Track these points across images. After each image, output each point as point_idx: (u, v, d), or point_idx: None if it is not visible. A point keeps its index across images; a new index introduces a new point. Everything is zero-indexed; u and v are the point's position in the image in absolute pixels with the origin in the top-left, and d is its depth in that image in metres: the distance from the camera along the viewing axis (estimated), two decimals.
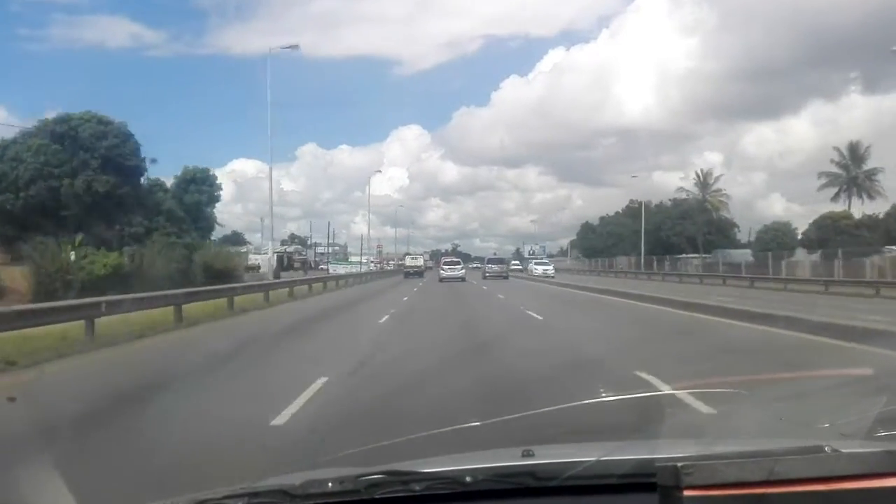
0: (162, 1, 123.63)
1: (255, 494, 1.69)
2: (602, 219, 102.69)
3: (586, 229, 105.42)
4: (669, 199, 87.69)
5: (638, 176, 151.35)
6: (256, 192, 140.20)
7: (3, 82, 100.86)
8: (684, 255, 70.27)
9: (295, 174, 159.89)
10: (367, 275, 62.44)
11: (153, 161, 52.99)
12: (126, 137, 49.29)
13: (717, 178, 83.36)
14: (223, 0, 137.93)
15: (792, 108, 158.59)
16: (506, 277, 55.38)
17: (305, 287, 35.30)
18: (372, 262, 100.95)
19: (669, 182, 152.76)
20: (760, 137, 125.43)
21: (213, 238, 61.54)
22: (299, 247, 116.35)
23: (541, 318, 18.89)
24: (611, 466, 1.81)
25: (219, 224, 63.87)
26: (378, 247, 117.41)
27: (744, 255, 61.56)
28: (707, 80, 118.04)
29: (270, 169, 54.22)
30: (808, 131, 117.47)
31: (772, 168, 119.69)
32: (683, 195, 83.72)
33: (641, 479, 1.72)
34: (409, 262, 77.44)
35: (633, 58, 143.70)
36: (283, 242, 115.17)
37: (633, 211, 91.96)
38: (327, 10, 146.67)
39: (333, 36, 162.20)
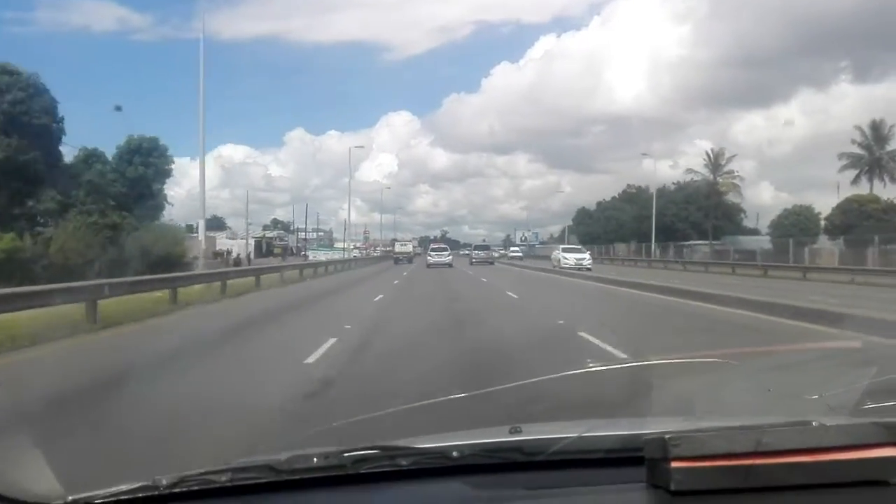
0: None
1: (241, 469, 1.68)
2: (599, 204, 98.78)
3: (582, 214, 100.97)
4: (673, 183, 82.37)
5: (631, 160, 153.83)
6: (243, 178, 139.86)
7: None
8: (691, 242, 66.16)
9: (283, 160, 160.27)
10: (350, 261, 58.43)
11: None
12: (37, 91, 40.80)
13: (730, 159, 76.16)
14: None
15: (782, 97, 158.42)
16: (491, 263, 59.19)
17: (276, 275, 31.19)
18: (357, 248, 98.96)
19: (660, 169, 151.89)
20: (750, 125, 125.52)
21: (167, 219, 52.33)
22: (282, 232, 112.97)
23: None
24: (598, 441, 1.81)
25: (168, 203, 53.63)
26: (365, 232, 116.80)
27: (757, 242, 59.53)
28: (698, 67, 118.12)
29: (200, 154, 41.52)
30: (798, 120, 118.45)
31: (761, 156, 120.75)
32: (692, 177, 78.00)
33: (628, 454, 1.72)
34: (398, 248, 79.12)
35: (625, 45, 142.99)
36: (266, 228, 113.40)
37: (629, 196, 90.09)
38: None
39: (323, 21, 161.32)
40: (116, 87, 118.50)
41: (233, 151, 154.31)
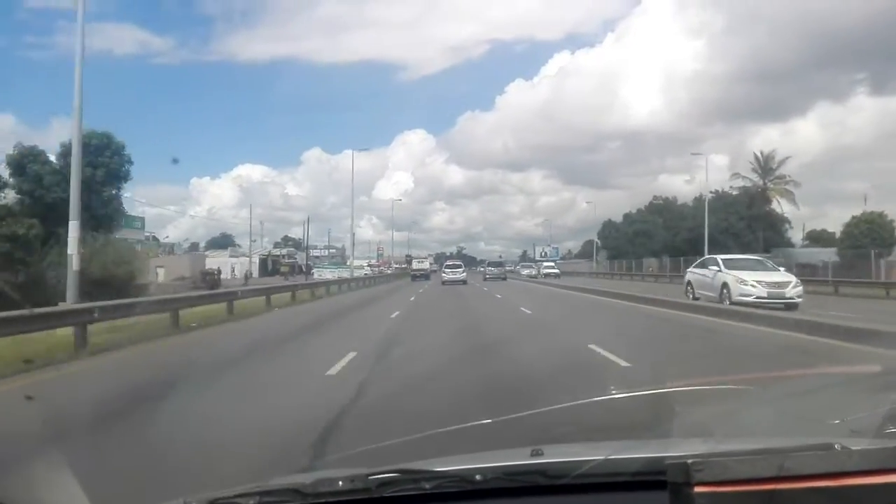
0: (168, 8, 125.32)
1: (267, 493, 1.70)
2: (626, 216, 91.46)
3: (609, 228, 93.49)
4: (712, 192, 70.96)
5: (646, 176, 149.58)
6: (262, 197, 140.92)
7: (9, 90, 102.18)
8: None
9: (300, 179, 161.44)
10: (360, 280, 54.15)
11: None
12: None
13: (783, 162, 69.59)
14: (229, 6, 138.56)
15: (799, 110, 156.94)
16: (504, 279, 61.53)
17: (263, 299, 25.14)
18: (370, 265, 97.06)
19: (675, 184, 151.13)
20: (766, 139, 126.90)
21: (143, 232, 45.97)
22: (292, 249, 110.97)
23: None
24: (620, 465, 1.82)
25: (129, 213, 46.05)
26: (378, 249, 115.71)
27: (812, 254, 53.59)
28: (713, 82, 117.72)
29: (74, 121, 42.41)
30: (815, 133, 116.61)
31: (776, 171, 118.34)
32: (741, 183, 71.66)
33: (651, 478, 1.73)
34: (415, 265, 79.97)
35: (639, 61, 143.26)
36: (277, 245, 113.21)
37: (656, 207, 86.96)
38: (333, 15, 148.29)
39: (339, 41, 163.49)
40: (137, 109, 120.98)
41: (251, 171, 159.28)
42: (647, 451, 1.93)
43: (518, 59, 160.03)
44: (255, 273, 77.14)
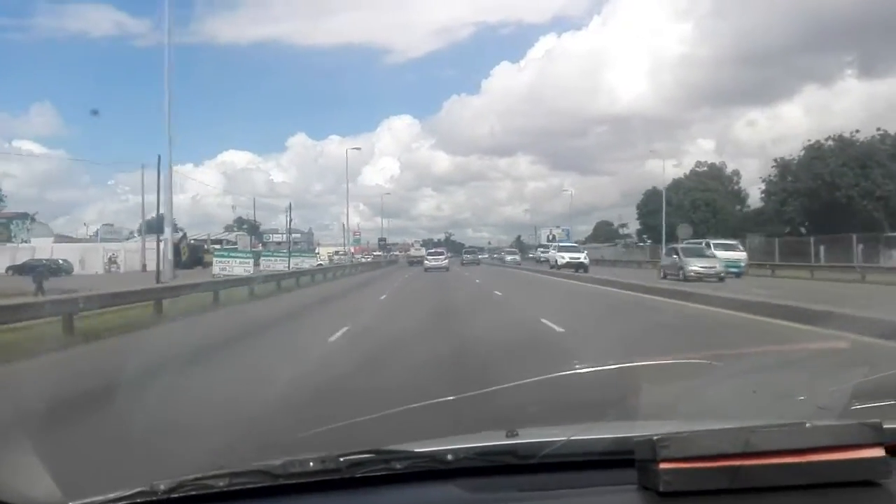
0: None
1: (238, 475, 1.69)
2: (673, 185, 70.16)
3: (652, 198, 69.60)
4: (829, 138, 56.71)
5: (634, 161, 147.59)
6: (246, 184, 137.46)
7: None
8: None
9: (285, 165, 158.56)
10: (310, 273, 39.30)
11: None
12: None
13: None
14: None
15: (786, 94, 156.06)
16: (477, 263, 70.00)
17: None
18: (339, 254, 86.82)
19: (662, 169, 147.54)
20: (753, 123, 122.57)
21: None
22: (241, 233, 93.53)
23: None
24: (589, 444, 1.84)
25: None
26: (356, 234, 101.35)
27: None
28: (700, 65, 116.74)
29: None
30: (802, 117, 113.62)
31: (764, 154, 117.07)
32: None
33: (620, 456, 1.74)
34: (413, 252, 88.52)
35: (626, 44, 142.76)
36: (228, 228, 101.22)
37: (700, 176, 70.93)
38: None
39: (323, 24, 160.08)
40: (113, 92, 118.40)
41: (234, 157, 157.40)
42: (615, 431, 1.96)
43: (504, 41, 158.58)
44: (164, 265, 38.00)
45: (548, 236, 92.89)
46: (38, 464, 1.84)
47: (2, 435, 3.14)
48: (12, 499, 1.55)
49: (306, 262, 45.52)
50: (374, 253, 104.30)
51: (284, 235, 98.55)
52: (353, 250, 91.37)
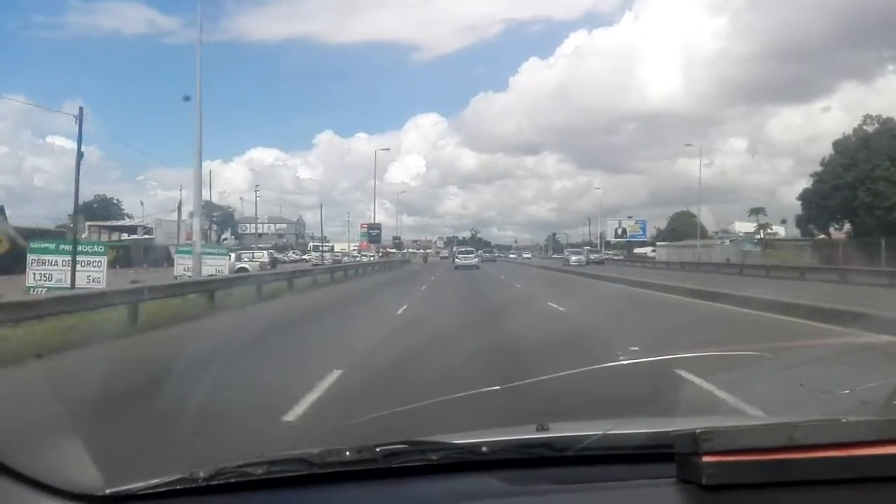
0: None
1: (276, 462, 1.72)
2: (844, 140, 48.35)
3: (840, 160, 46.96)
4: None
5: (664, 160, 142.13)
6: (274, 181, 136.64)
7: (21, 70, 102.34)
8: None
9: (312, 162, 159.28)
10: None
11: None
12: None
13: None
14: None
15: (823, 90, 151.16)
16: (494, 260, 76.44)
17: None
18: (324, 252, 74.38)
19: (693, 168, 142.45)
20: (787, 122, 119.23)
21: None
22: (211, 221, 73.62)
23: None
24: (626, 438, 1.82)
25: None
26: (362, 226, 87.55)
27: None
28: (735, 61, 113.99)
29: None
30: (839, 114, 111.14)
31: (798, 154, 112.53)
32: None
33: (658, 450, 1.73)
34: (431, 251, 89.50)
35: (658, 40, 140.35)
36: (191, 214, 74.05)
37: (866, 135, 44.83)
38: None
39: (352, 21, 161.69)
40: (144, 89, 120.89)
41: (263, 154, 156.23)
42: (653, 426, 1.94)
43: (534, 38, 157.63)
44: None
45: (616, 229, 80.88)
46: (83, 450, 1.89)
47: (50, 423, 3.26)
48: (57, 483, 1.60)
49: (212, 265, 24.05)
50: (389, 250, 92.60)
51: (265, 226, 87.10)
52: (363, 246, 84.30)
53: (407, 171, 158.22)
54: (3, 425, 4.15)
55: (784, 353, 3.29)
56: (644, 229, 77.55)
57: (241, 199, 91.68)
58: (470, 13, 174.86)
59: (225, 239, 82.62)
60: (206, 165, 50.08)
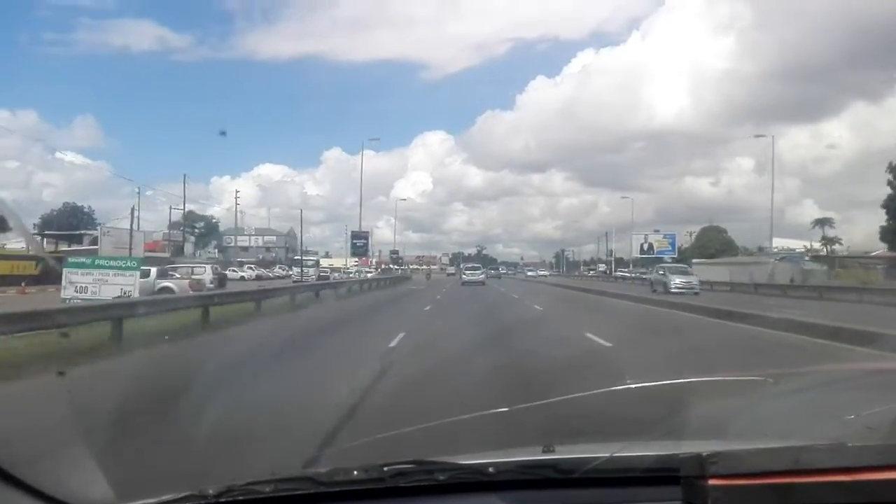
0: (187, 4, 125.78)
1: (283, 481, 1.73)
2: None
3: None
4: None
5: (670, 179, 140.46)
6: (281, 197, 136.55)
7: (30, 86, 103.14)
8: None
9: (320, 178, 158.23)
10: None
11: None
12: None
13: None
14: (249, 3, 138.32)
15: (831, 111, 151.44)
16: (499, 278, 74.78)
17: None
18: (315, 268, 68.51)
19: (700, 187, 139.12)
20: (795, 142, 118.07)
21: None
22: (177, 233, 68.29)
23: None
24: (633, 461, 1.83)
25: None
26: (356, 237, 74.71)
27: None
28: (742, 81, 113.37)
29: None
30: (847, 135, 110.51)
31: (805, 173, 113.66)
32: None
33: (663, 473, 1.73)
34: (450, 270, 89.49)
35: (665, 59, 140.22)
36: (174, 225, 69.21)
37: None
38: (354, 13, 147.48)
39: (361, 40, 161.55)
40: (153, 105, 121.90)
41: (270, 171, 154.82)
42: (659, 449, 1.94)
43: (541, 57, 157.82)
44: None
45: (642, 245, 71.60)
46: (94, 465, 1.90)
47: (63, 438, 3.25)
48: (67, 497, 1.61)
49: (116, 284, 18.88)
50: (391, 266, 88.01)
51: (252, 238, 79.95)
52: (364, 262, 73.65)
53: (413, 188, 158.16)
54: None
55: (790, 379, 3.29)
56: (673, 244, 69.83)
57: (241, 212, 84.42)
58: (478, 32, 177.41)
59: (208, 253, 77.47)
60: (214, 180, 48.91)
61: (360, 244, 69.60)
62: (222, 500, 1.68)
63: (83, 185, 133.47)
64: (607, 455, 1.81)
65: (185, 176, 63.10)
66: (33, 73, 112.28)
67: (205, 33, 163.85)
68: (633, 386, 2.96)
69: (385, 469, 1.74)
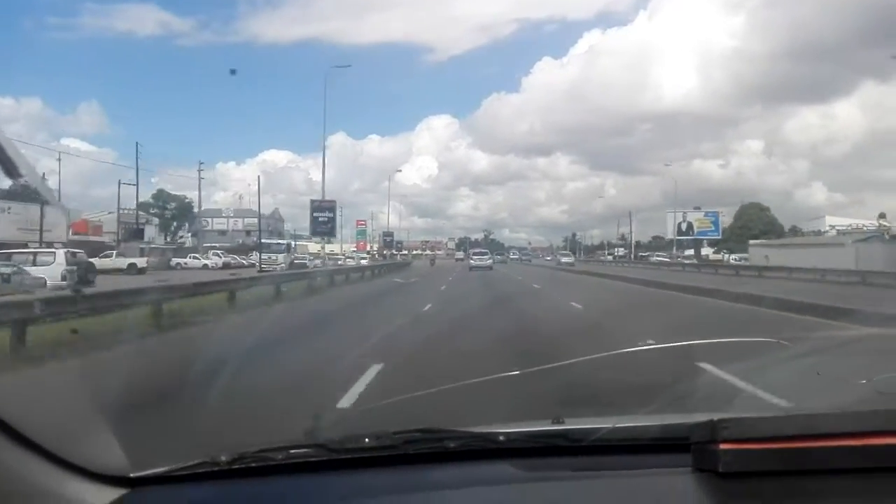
0: None
1: (295, 447, 1.75)
2: None
3: None
4: None
5: (679, 161, 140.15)
6: (286, 183, 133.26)
7: (35, 72, 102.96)
8: None
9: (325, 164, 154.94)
10: None
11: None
12: None
13: None
14: None
15: (841, 91, 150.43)
16: (505, 262, 77.46)
17: None
18: (286, 254, 56.21)
19: (709, 169, 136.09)
20: (804, 123, 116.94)
21: None
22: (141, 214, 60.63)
23: None
24: (642, 430, 1.84)
25: None
26: (359, 224, 76.92)
27: None
28: (751, 60, 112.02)
29: None
30: (857, 115, 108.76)
31: (815, 155, 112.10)
32: None
33: (673, 441, 1.74)
34: (457, 255, 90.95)
35: (673, 39, 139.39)
36: (144, 207, 65.09)
37: None
38: None
39: (365, 22, 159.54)
40: (158, 91, 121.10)
41: (275, 157, 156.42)
42: (669, 418, 1.95)
43: (547, 38, 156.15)
44: None
45: (679, 224, 63.11)
46: (110, 434, 1.93)
47: (81, 411, 3.29)
48: (85, 464, 1.64)
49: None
50: (392, 252, 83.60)
51: (231, 221, 73.66)
52: (359, 246, 70.26)
53: (419, 173, 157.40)
54: None
55: (801, 342, 3.28)
56: (716, 224, 60.22)
57: (239, 196, 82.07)
58: (483, 13, 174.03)
59: (181, 236, 71.30)
60: (219, 166, 45.77)
61: (322, 219, 51.46)
62: (234, 466, 1.70)
63: (87, 172, 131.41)
64: (617, 426, 1.82)
65: (137, 144, 54.97)
66: (35, 58, 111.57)
67: (208, 17, 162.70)
68: (647, 347, 2.95)
69: (396, 436, 1.76)
